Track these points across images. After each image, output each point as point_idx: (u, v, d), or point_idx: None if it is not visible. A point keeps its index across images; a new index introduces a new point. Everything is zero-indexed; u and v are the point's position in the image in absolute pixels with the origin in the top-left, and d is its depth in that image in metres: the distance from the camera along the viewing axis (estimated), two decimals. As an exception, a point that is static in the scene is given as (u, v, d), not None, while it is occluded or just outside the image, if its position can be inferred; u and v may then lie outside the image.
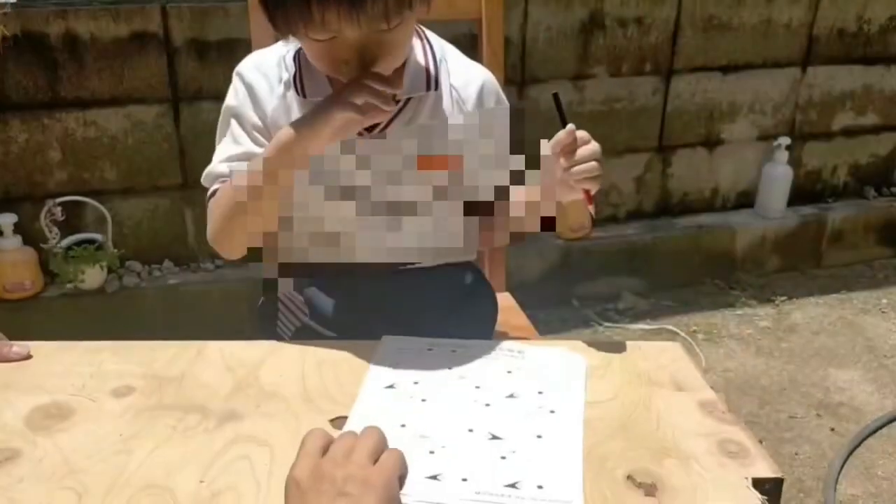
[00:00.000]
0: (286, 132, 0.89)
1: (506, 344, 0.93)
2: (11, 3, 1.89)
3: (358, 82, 0.86)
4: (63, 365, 0.86)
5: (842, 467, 1.86)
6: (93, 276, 2.07)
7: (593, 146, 0.91)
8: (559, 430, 0.76)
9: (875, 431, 1.99)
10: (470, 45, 2.17)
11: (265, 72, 1.00)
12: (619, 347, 0.93)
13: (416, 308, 1.06)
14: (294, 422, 0.77)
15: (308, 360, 0.88)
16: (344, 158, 0.93)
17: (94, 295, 2.10)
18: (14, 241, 2.04)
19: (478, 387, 0.83)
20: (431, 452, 0.72)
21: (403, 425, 0.76)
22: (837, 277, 2.78)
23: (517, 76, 2.35)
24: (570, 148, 0.90)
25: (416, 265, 1.07)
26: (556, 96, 0.94)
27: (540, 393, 0.82)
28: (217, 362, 0.87)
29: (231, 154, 0.98)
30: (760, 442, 1.81)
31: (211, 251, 2.27)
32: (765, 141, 2.74)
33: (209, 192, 1.00)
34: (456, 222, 1.02)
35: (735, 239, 2.69)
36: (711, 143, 2.69)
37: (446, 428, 0.76)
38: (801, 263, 2.80)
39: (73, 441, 0.73)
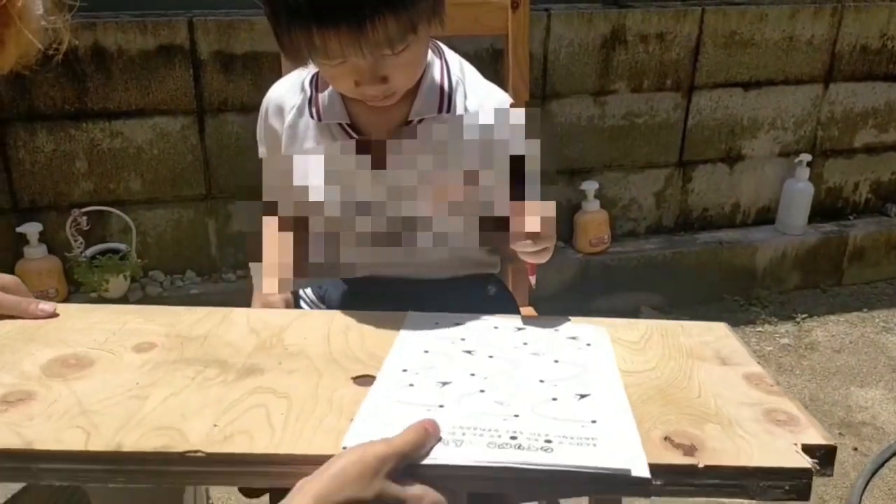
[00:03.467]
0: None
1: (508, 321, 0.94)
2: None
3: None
4: (87, 323, 0.86)
5: (865, 487, 1.84)
6: (116, 286, 2.09)
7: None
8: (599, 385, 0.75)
9: (898, 451, 1.96)
10: (492, 60, 2.20)
11: (279, 102, 1.04)
12: (659, 325, 0.89)
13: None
14: (316, 377, 0.76)
15: (335, 325, 0.88)
16: (360, 174, 0.93)
17: (117, 304, 2.12)
18: (39, 250, 2.07)
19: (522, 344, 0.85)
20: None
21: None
22: (859, 295, 2.75)
23: (539, 91, 2.36)
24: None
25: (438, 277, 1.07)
26: None
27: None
28: (242, 325, 0.87)
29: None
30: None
31: (233, 262, 2.28)
32: (786, 157, 2.73)
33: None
34: (472, 235, 1.01)
35: (755, 255, 2.68)
36: (732, 158, 2.68)
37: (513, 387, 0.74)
38: (822, 280, 2.78)
39: (88, 387, 0.72)
